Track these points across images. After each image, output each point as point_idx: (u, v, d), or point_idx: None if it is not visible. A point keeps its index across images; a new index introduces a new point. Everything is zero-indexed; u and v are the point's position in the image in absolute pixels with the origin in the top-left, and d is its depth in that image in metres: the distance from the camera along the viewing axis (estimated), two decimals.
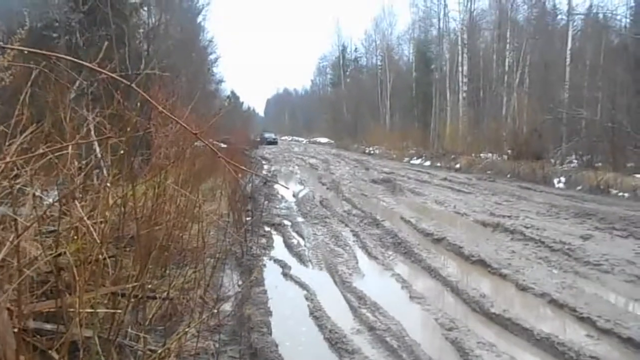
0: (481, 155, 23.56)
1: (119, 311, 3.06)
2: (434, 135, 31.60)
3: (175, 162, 5.09)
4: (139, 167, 5.30)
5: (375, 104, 41.52)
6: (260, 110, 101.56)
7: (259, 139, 44.49)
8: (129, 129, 3.26)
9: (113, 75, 2.08)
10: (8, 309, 2.44)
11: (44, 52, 2.08)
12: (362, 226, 8.89)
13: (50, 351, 2.58)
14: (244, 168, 2.77)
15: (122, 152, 3.25)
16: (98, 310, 2.87)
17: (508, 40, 26.18)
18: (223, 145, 12.01)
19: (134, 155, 4.29)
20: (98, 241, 2.70)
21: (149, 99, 1.92)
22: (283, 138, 61.12)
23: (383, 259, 6.80)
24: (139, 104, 4.38)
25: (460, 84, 28.72)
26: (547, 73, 22.02)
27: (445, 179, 17.59)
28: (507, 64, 25.99)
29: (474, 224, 9.37)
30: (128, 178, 3.66)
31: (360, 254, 7.05)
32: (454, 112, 29.53)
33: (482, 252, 6.91)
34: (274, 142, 46.71)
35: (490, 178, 18.24)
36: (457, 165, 23.57)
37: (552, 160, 19.26)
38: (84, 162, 3.79)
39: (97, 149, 4.79)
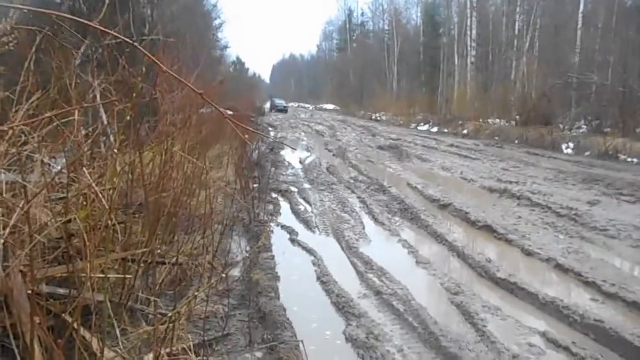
0: (489, 120, 23.35)
1: (129, 276, 3.09)
2: (441, 100, 31.27)
3: (182, 128, 5.07)
4: (145, 133, 5.12)
5: (382, 70, 40.99)
6: (266, 77, 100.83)
7: (267, 106, 44.30)
8: (134, 95, 3.21)
9: (119, 35, 2.05)
10: (21, 271, 2.47)
11: (47, 10, 2.06)
12: (369, 192, 8.92)
13: (63, 314, 2.63)
14: (252, 129, 2.74)
15: (128, 118, 3.19)
16: (109, 276, 2.91)
17: (518, 3, 25.55)
18: (229, 112, 11.98)
19: (141, 121, 4.22)
20: (107, 207, 2.68)
21: (155, 60, 1.82)
22: (289, 105, 60.78)
23: (389, 224, 6.83)
24: (144, 69, 4.29)
25: (469, 48, 28.21)
26: (558, 36, 21.54)
27: (452, 145, 17.50)
28: (516, 27, 25.43)
29: (481, 190, 9.37)
30: (135, 145, 3.64)
31: (366, 220, 7.07)
32: (461, 76, 29.11)
33: (488, 217, 6.93)
34: (284, 110, 45.67)
35: (498, 144, 18.13)
36: (465, 131, 23.40)
37: (561, 126, 19.05)
38: (90, 129, 3.76)
39: (104, 116, 4.65)
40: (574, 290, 4.72)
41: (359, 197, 8.48)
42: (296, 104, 63.38)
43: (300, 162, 12.80)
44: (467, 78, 28.20)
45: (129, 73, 4.14)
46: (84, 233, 2.53)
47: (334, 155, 14.43)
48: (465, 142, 18.70)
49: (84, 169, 3.01)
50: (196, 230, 4.76)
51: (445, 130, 25.11)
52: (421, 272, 5.14)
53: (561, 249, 5.69)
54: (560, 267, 5.16)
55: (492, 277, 4.90)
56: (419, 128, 27.86)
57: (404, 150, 14.65)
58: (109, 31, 2.15)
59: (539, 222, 6.84)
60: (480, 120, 23.71)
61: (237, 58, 44.96)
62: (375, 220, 7.08)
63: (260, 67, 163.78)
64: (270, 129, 24.65)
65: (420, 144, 17.70)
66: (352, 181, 9.94)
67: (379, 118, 35.73)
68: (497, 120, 22.90)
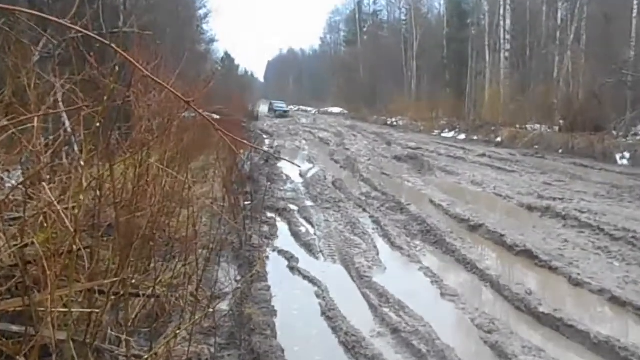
0: (527, 126, 23.39)
1: (97, 310, 3.09)
2: (469, 103, 31.39)
3: (160, 136, 5.12)
4: (116, 143, 5.15)
5: (399, 67, 41.25)
6: (259, 75, 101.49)
7: (262, 109, 44.67)
8: (105, 98, 3.24)
9: (86, 32, 2.11)
10: None
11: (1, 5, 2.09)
12: (384, 211, 9.01)
13: (18, 357, 2.62)
14: (245, 142, 2.76)
15: (97, 125, 3.22)
16: (72, 310, 2.89)
17: None
18: (216, 117, 12.08)
19: (111, 129, 4.11)
20: (71, 229, 2.68)
21: (130, 59, 1.86)
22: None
23: (409, 249, 6.88)
24: (116, 68, 4.37)
25: (502, 41, 28.37)
26: (608, 27, 21.64)
27: (483, 155, 17.54)
28: (559, 16, 25.58)
29: (518, 208, 9.37)
30: (104, 156, 3.66)
31: (381, 244, 7.14)
32: (494, 75, 29.26)
33: (528, 241, 6.93)
34: (284, 115, 46.78)
35: (538, 154, 18.15)
36: (498, 139, 23.44)
37: (614, 132, 19.04)
38: (51, 137, 3.87)
39: (67, 122, 4.68)
40: (633, 328, 4.68)
41: (371, 217, 8.58)
42: (296, 107, 63.71)
43: (301, 175, 12.97)
44: (500, 76, 28.34)
45: (98, 72, 4.27)
46: (43, 260, 2.56)
47: (341, 167, 14.62)
48: (498, 151, 18.74)
49: (44, 184, 3.04)
50: (177, 256, 4.81)
51: (475, 137, 25.18)
52: (447, 306, 5.14)
53: (617, 278, 5.67)
54: (616, 300, 5.14)
55: (533, 312, 4.89)
56: (443, 135, 27.97)
57: (426, 162, 14.77)
58: (75, 27, 2.19)
59: (590, 247, 6.84)
60: (517, 126, 23.78)
61: (226, 53, 45.78)
62: (392, 244, 7.15)
63: (253, 63, 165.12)
64: (265, 136, 24.80)
65: (444, 153, 17.81)
66: (363, 198, 10.06)
67: (395, 123, 35.96)
68: (537, 126, 22.95)
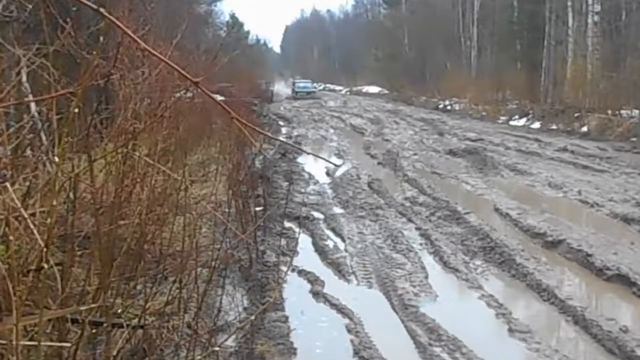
0: (622, 112, 23.01)
1: (67, 345, 3.14)
2: (546, 81, 30.97)
3: (150, 123, 5.14)
4: (97, 132, 5.17)
5: (455, 34, 40.86)
6: (275, 44, 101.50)
7: (277, 88, 44.86)
8: (82, 75, 3.24)
9: None
10: None
11: None
12: (434, 222, 8.99)
13: None
14: (261, 131, 2.76)
15: (73, 110, 3.25)
16: (41, 343, 2.93)
17: None
18: (219, 98, 12.18)
19: (91, 114, 4.24)
20: (40, 242, 2.72)
21: (121, 26, 1.87)
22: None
23: (467, 271, 6.87)
24: (100, 38, 4.29)
25: (590, 1, 27.96)
26: None
27: (564, 149, 17.32)
28: None
29: (611, 219, 9.24)
30: (81, 148, 3.73)
31: (431, 264, 7.13)
32: (578, 45, 28.83)
33: (622, 262, 6.83)
34: (309, 95, 47.56)
35: (637, 148, 17.85)
36: (584, 129, 23.15)
37: None
38: (14, 124, 3.91)
39: (33, 106, 4.75)
40: None
41: (419, 229, 8.59)
42: (321, 86, 63.54)
43: (328, 173, 12.99)
44: (587, 47, 27.95)
45: (74, 42, 4.21)
46: (7, 279, 2.61)
47: (379, 163, 14.54)
48: (584, 145, 18.49)
49: (7, 184, 3.02)
50: (170, 277, 4.85)
51: (553, 126, 24.88)
52: (517, 345, 5.09)
53: None
54: None
55: (629, 356, 4.82)
56: (511, 123, 27.68)
57: (489, 158, 14.65)
58: None
59: None
60: (608, 112, 23.41)
61: (232, 17, 45.75)
62: (445, 264, 7.17)
63: (267, 29, 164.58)
64: (281, 122, 24.79)
65: (513, 147, 17.62)
66: (408, 204, 10.06)
67: (449, 107, 35.74)
68: (636, 111, 22.57)
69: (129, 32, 1.90)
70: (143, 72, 5.70)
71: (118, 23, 1.88)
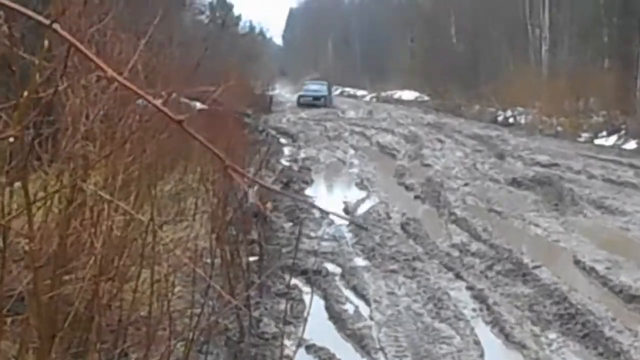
0: None
1: None
2: None
3: (106, 146, 4.86)
4: (35, 157, 4.77)
5: (519, 22, 35.74)
6: (275, 34, 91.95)
7: (279, 93, 41.26)
8: (22, 87, 3.31)
9: None
10: None
11: None
12: (493, 279, 8.32)
13: None
14: (270, 187, 2.87)
15: (12, 136, 3.27)
16: None
17: None
18: (199, 106, 11.06)
19: (31, 135, 4.03)
20: None
21: (76, 43, 1.75)
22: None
23: (537, 348, 6.35)
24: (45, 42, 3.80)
25: None
26: None
27: None
28: None
29: None
30: (15, 178, 3.70)
31: (488, 338, 6.64)
32: None
33: None
34: (318, 103, 41.44)
35: None
36: None
37: None
38: None
39: None
40: None
41: (471, 289, 7.98)
42: (337, 90, 56.25)
43: (347, 209, 12.19)
44: None
45: (10, 43, 3.87)
46: None
47: (417, 197, 13.76)
48: None
49: None
50: (132, 354, 4.80)
51: None
52: None
53: None
54: None
55: None
56: (597, 142, 24.95)
57: (567, 190, 13.52)
58: None
59: None
60: None
61: None
62: (507, 338, 6.64)
63: (265, 14, 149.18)
64: (282, 139, 23.32)
65: (600, 175, 16.24)
66: (456, 254, 9.32)
67: (512, 120, 31.87)
68: None
69: (93, 56, 1.72)
70: (99, 76, 5.06)
71: (78, 45, 1.78)
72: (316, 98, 42.44)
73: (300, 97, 43.23)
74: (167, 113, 1.70)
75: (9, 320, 3.94)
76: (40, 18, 1.73)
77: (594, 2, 29.97)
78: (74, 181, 4.30)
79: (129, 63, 4.52)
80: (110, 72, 1.73)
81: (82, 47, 1.77)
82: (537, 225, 11.06)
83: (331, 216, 12.23)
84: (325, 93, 43.55)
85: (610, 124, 25.79)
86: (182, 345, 4.85)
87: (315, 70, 60.18)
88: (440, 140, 23.80)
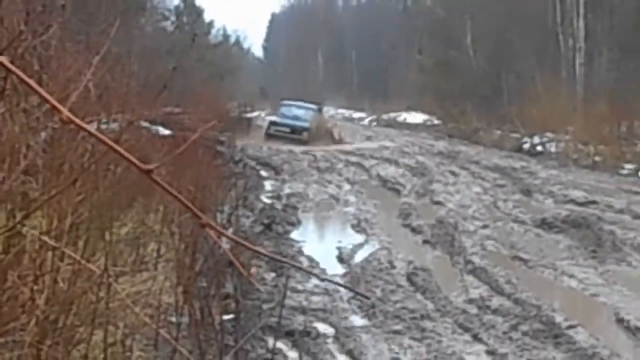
0: None
1: None
2: None
3: (52, 181, 4.92)
4: None
5: (547, 30, 33.54)
6: (255, 44, 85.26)
7: (257, 116, 36.24)
8: None
9: None
10: None
11: None
12: (518, 342, 7.89)
13: None
14: (258, 249, 1.64)
15: None
16: None
17: None
18: (162, 132, 10.45)
19: None
20: None
21: (28, 81, 1.54)
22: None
23: None
24: None
25: None
26: None
27: None
28: None
29: None
30: None
31: None
32: None
33: None
34: (297, 137, 31.05)
35: None
36: None
37: None
38: None
39: None
40: None
41: (491, 353, 7.63)
42: (328, 112, 48.38)
43: (341, 257, 11.58)
44: None
45: None
46: None
47: (426, 242, 13.01)
48: None
49: None
50: None
51: None
52: None
53: None
54: None
55: None
56: None
57: (607, 233, 12.83)
58: None
59: None
60: None
61: (187, 0, 37.80)
62: None
63: (241, 20, 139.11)
64: (263, 171, 22.10)
65: None
66: (474, 311, 8.92)
67: (540, 148, 29.38)
68: None
69: (43, 92, 1.55)
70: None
71: (31, 83, 1.59)
72: (294, 129, 32.07)
73: (271, 124, 33.26)
74: (133, 161, 1.61)
75: None
76: None
77: (637, 8, 28.48)
78: (11, 225, 4.21)
79: (79, 81, 4.09)
80: (66, 112, 1.62)
81: (31, 82, 1.60)
82: (571, 276, 10.49)
83: (310, 248, 11.73)
84: (308, 124, 32.66)
85: None
86: None
87: (303, 87, 52.44)
88: (454, 173, 22.45)
